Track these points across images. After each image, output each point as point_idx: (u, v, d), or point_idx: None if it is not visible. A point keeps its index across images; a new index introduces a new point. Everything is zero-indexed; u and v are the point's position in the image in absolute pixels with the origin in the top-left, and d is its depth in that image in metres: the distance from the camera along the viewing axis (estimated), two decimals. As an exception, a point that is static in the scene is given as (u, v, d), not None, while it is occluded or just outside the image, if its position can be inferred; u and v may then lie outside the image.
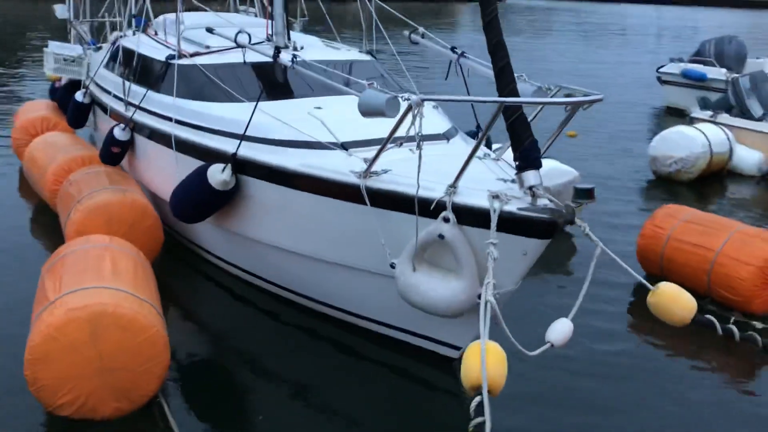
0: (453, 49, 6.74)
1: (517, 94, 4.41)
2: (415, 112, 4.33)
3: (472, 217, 4.51)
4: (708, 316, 5.76)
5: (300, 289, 6.12)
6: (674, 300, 4.61)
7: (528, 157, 4.36)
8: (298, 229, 5.62)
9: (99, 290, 4.62)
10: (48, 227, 8.09)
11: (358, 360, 5.67)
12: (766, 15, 65.33)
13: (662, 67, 17.56)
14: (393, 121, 4.79)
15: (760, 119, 11.81)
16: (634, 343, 6.16)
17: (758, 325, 6.05)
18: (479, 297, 4.61)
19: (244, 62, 6.70)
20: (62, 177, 7.83)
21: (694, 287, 6.38)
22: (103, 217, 6.53)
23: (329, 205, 5.27)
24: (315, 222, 5.47)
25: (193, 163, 6.28)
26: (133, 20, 9.36)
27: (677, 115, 15.46)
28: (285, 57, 6.16)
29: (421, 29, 7.16)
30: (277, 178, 5.56)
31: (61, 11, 11.85)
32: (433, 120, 5.98)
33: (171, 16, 9.15)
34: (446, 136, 5.93)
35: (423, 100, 4.30)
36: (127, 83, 7.76)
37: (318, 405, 5.10)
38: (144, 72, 7.70)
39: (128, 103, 7.74)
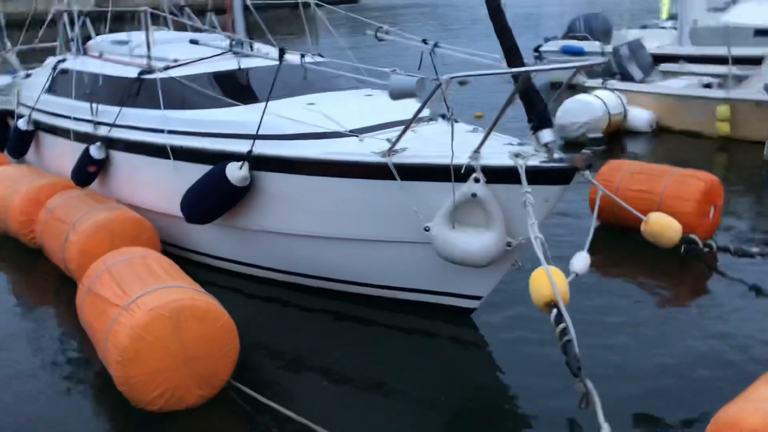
0: (424, 41, 7.40)
1: (523, 63, 5.14)
2: (445, 89, 4.97)
3: (499, 175, 5.19)
4: (691, 235, 6.77)
5: (320, 272, 6.56)
6: (665, 226, 5.58)
7: (542, 118, 5.10)
8: (323, 213, 6.08)
9: (168, 289, 4.94)
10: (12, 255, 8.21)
11: (380, 329, 6.23)
12: (597, -6, 70.73)
13: (540, 46, 19.03)
14: (392, 106, 5.45)
15: (641, 81, 13.36)
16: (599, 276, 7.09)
17: (707, 249, 7.13)
18: (508, 245, 5.36)
19: (239, 68, 7.09)
20: (32, 206, 7.88)
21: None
22: (105, 235, 6.72)
23: (355, 185, 5.77)
24: (341, 204, 5.95)
25: (194, 169, 6.57)
26: (72, 44, 9.37)
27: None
28: (291, 58, 6.57)
29: (385, 27, 7.75)
30: (299, 168, 5.99)
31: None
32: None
33: (110, 36, 9.30)
34: (432, 118, 6.59)
35: (452, 78, 4.94)
36: (94, 104, 7.84)
37: (355, 374, 5.56)
38: (113, 91, 7.81)
39: (98, 123, 7.83)
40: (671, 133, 12.44)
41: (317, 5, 8.57)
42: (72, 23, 9.21)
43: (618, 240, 7.62)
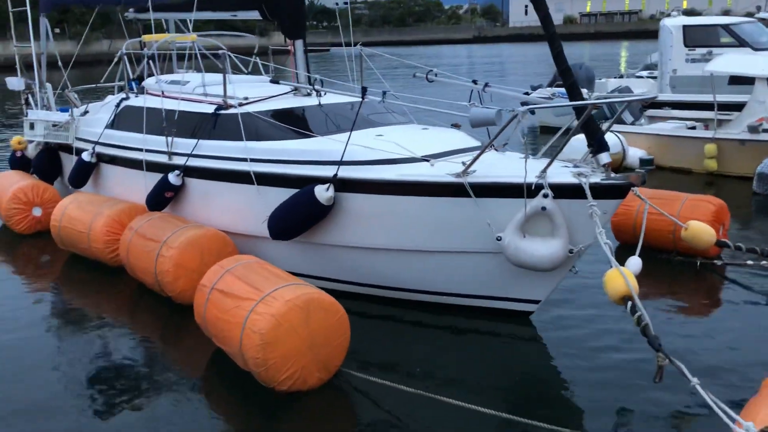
0: (474, 81, 8.49)
1: (582, 98, 6.19)
2: (520, 119, 5.99)
3: (565, 191, 6.18)
4: (723, 239, 7.83)
5: (394, 283, 7.39)
6: (702, 231, 6.70)
7: (601, 144, 6.15)
8: (401, 228, 6.96)
9: (295, 286, 5.78)
10: (92, 267, 9.07)
11: (448, 332, 7.04)
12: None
13: (528, 93, 20.43)
14: (448, 137, 6.45)
15: (631, 124, 14.67)
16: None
17: (718, 262, 8.25)
18: (570, 251, 6.32)
19: (320, 105, 8.05)
20: (115, 228, 8.63)
21: (663, 245, 8.56)
22: (197, 250, 7.49)
23: (432, 203, 6.70)
24: (417, 219, 6.85)
25: (278, 193, 7.44)
26: (134, 84, 10.23)
27: (551, 132, 18.16)
28: (373, 97, 7.53)
29: (435, 70, 8.82)
30: (382, 189, 6.89)
31: (17, 83, 12.22)
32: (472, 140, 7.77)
33: (164, 77, 10.18)
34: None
35: (528, 110, 5.97)
36: (169, 137, 8.68)
37: (429, 369, 6.29)
38: (188, 125, 8.67)
39: (173, 154, 8.66)
40: (663, 170, 13.70)
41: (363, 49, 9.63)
42: (137, 63, 10.06)
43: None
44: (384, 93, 7.50)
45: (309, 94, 8.99)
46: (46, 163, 11.33)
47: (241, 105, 8.40)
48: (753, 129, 12.22)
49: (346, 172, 7.09)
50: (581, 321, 7.11)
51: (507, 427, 5.23)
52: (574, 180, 6.19)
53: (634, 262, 6.12)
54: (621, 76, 21.69)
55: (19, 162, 12.05)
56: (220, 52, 8.48)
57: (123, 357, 6.69)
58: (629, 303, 5.33)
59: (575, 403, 5.73)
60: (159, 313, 7.73)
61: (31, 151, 11.83)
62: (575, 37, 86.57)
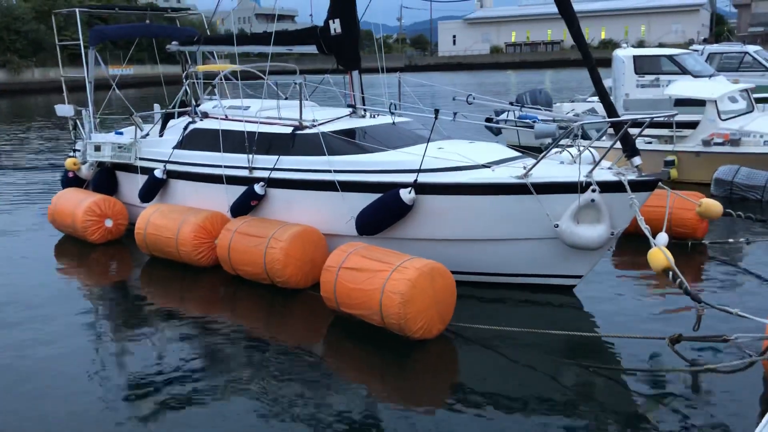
0: (511, 103, 10.38)
1: (617, 114, 8.16)
2: (576, 131, 7.90)
3: (608, 187, 8.07)
4: (728, 210, 10.11)
5: (463, 268, 9.00)
6: (713, 205, 8.81)
7: (634, 150, 8.10)
8: (471, 222, 8.66)
9: (417, 258, 7.47)
10: (169, 268, 10.43)
11: (511, 303, 8.85)
12: (482, 75, 77.84)
13: (491, 119, 22.65)
14: (496, 148, 8.37)
15: (597, 140, 16.93)
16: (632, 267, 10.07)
17: (707, 242, 10.43)
18: (611, 234, 8.22)
19: (393, 123, 9.75)
20: (202, 233, 10.05)
21: (659, 230, 10.59)
22: (300, 242, 9.05)
23: (497, 200, 8.45)
24: (485, 214, 8.57)
25: (361, 197, 9.07)
26: (198, 108, 11.69)
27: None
28: (444, 117, 9.25)
29: (474, 94, 10.69)
30: (457, 190, 8.59)
31: (67, 110, 13.40)
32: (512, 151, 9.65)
33: (227, 102, 11.67)
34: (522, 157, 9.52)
35: (581, 124, 7.87)
36: (250, 155, 10.20)
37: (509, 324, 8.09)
38: (267, 144, 10.21)
39: (254, 168, 10.17)
40: (630, 179, 15.96)
41: (402, 72, 11.43)
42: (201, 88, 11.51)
43: (641, 243, 10.68)
44: (455, 114, 9.30)
45: (363, 116, 10.71)
46: (104, 181, 12.57)
47: (313, 126, 10.02)
48: (706, 143, 14.63)
49: (424, 178, 8.81)
50: (611, 293, 9.05)
51: (577, 341, 7.30)
52: (615, 178, 8.11)
53: (663, 237, 8.04)
54: (573, 101, 24.23)
55: (71, 182, 13.18)
56: (298, 81, 10.11)
57: (246, 338, 7.90)
58: (670, 273, 7.19)
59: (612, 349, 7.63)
60: (256, 300, 9.17)
61: (85, 171, 13.00)
62: (501, 66, 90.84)
